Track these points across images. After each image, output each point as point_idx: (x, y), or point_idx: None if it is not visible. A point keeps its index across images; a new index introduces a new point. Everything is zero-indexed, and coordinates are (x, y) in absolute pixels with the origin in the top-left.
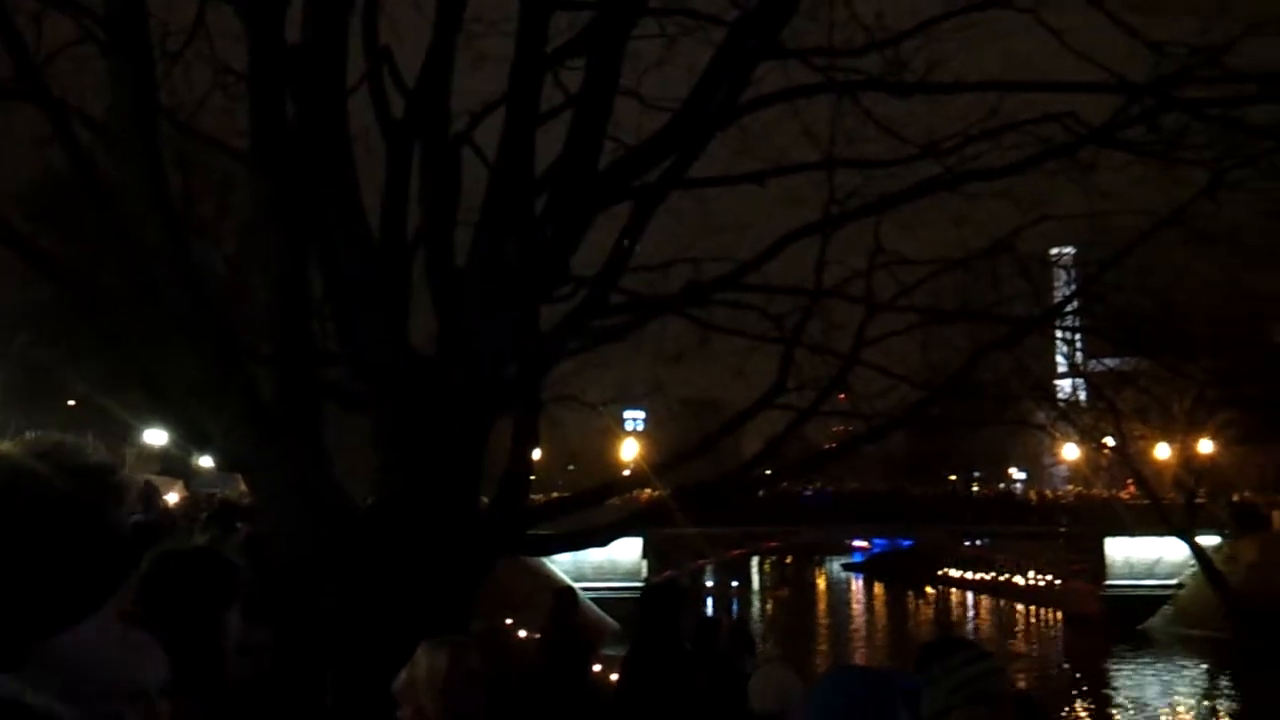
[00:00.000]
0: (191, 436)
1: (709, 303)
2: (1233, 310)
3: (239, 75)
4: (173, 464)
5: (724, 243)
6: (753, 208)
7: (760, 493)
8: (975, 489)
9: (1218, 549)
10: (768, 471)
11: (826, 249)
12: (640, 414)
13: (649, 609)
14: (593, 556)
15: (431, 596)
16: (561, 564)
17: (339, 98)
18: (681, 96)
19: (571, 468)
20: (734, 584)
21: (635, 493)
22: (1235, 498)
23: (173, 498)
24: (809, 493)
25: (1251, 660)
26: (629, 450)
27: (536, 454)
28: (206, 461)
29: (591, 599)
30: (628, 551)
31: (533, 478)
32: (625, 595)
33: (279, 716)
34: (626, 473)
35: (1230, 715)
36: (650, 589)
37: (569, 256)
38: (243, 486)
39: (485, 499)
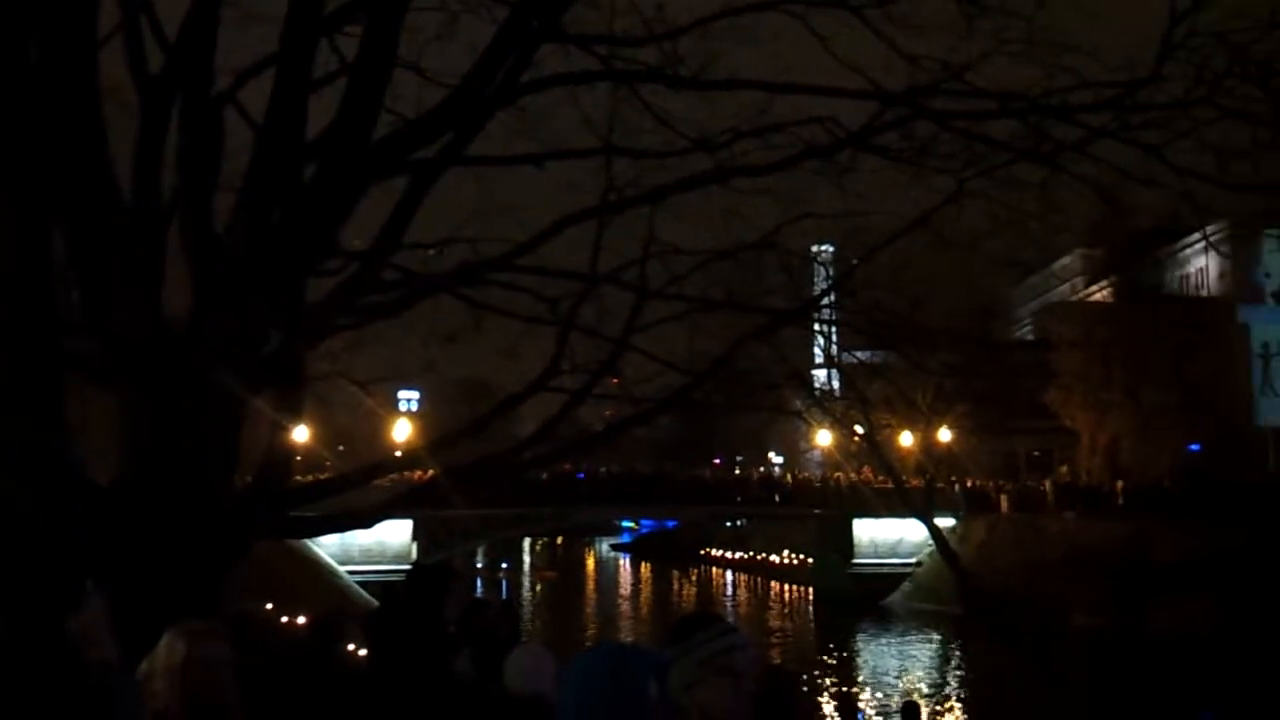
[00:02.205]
0: None
1: (484, 283)
2: (968, 310)
3: None
4: None
5: (502, 224)
6: (532, 191)
7: (533, 473)
8: (737, 472)
9: (952, 530)
10: (540, 453)
11: (603, 235)
12: (415, 394)
13: (411, 590)
14: (361, 539)
15: (180, 581)
16: (328, 547)
17: (89, 46)
18: (462, 73)
19: (342, 448)
20: (504, 565)
21: (406, 474)
22: (968, 483)
23: None
24: (581, 475)
25: (979, 632)
26: (401, 431)
27: (304, 434)
28: None
29: (358, 582)
30: (397, 534)
31: (299, 458)
32: (394, 579)
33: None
34: (398, 454)
35: (958, 681)
36: (414, 570)
37: (339, 229)
38: None
39: (248, 479)
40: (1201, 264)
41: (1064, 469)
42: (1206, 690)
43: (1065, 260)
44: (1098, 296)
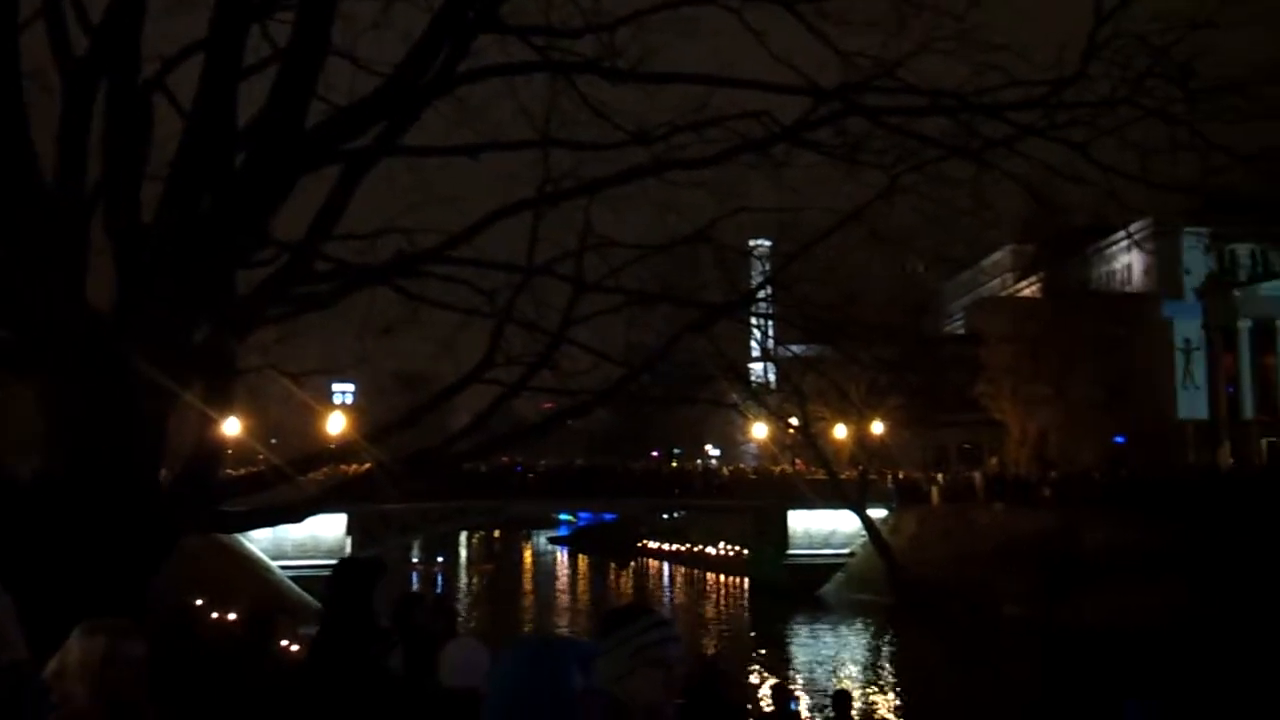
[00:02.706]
0: None
1: (420, 275)
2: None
3: None
4: None
5: (438, 215)
6: (469, 182)
7: (470, 466)
8: (674, 465)
9: (884, 521)
10: (474, 445)
11: (539, 227)
12: (350, 387)
13: (341, 584)
14: (294, 534)
15: (105, 577)
16: (260, 542)
17: (9, 28)
18: (397, 62)
19: (275, 442)
20: (439, 559)
21: (341, 467)
22: (900, 474)
23: None
24: (519, 468)
25: (910, 621)
26: (336, 424)
27: (235, 427)
28: None
29: (292, 578)
30: (331, 528)
31: (230, 452)
32: (327, 574)
33: None
34: (332, 446)
35: (890, 669)
36: (343, 563)
37: (270, 218)
38: None
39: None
40: (1126, 261)
41: (993, 461)
42: (1131, 676)
43: (996, 256)
44: (1027, 292)
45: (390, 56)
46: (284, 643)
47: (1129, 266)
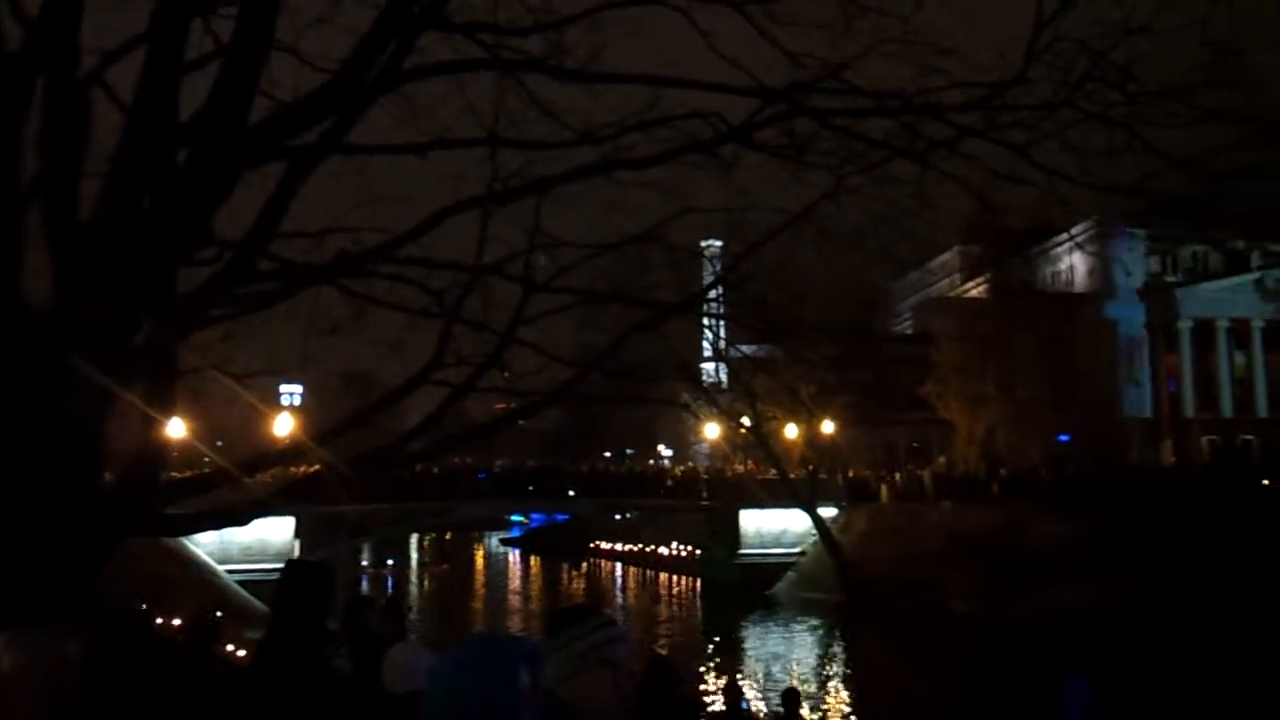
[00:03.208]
0: None
1: (366, 274)
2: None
3: None
4: None
5: (384, 214)
6: (417, 181)
7: (421, 467)
8: (627, 465)
9: (835, 520)
10: (424, 446)
11: (488, 227)
12: (298, 389)
13: (288, 586)
14: (241, 537)
15: (40, 581)
16: (206, 546)
17: None
18: (343, 58)
19: (220, 444)
20: (389, 562)
21: (290, 470)
22: (850, 473)
23: None
24: (484, 475)
25: (860, 618)
26: (283, 425)
27: (180, 428)
28: None
29: (239, 581)
30: (279, 532)
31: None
32: (276, 578)
33: None
34: (278, 448)
35: (840, 666)
36: (290, 565)
37: (212, 215)
38: None
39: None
40: (1070, 262)
41: (941, 459)
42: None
43: (944, 257)
44: (974, 292)
45: (336, 53)
46: (229, 647)
47: (1072, 267)
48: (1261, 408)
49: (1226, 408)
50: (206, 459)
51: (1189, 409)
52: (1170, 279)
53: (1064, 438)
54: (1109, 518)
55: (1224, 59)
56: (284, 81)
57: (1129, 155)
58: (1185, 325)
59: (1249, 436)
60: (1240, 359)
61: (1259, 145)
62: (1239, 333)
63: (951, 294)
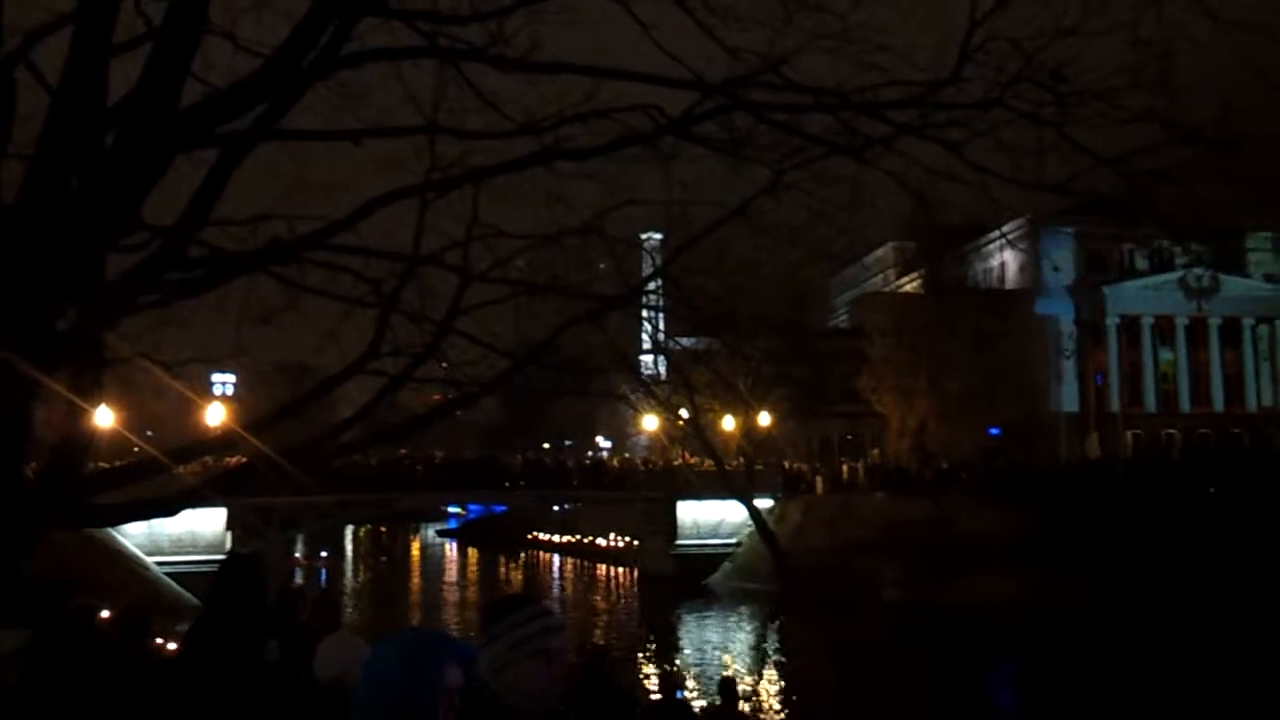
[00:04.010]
0: None
1: (301, 262)
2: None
3: None
4: None
5: (320, 202)
6: (353, 169)
7: (356, 458)
8: (564, 456)
9: (770, 511)
10: (359, 437)
11: (426, 216)
12: (230, 378)
13: (222, 579)
14: (170, 528)
15: None
16: (135, 537)
17: None
18: (278, 43)
19: (150, 434)
20: (323, 554)
21: (221, 459)
22: (786, 465)
23: None
24: (409, 461)
25: (795, 608)
26: (215, 415)
27: (108, 418)
28: None
29: (169, 574)
30: (210, 523)
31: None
32: (207, 570)
33: None
34: (210, 438)
35: (775, 655)
36: (227, 559)
37: (141, 201)
38: None
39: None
40: (1002, 259)
41: (875, 451)
42: (998, 651)
43: (879, 252)
44: (909, 288)
45: (271, 38)
46: (159, 640)
47: (1004, 264)
48: (1184, 403)
49: (1151, 403)
50: (136, 449)
51: (1115, 404)
52: (1098, 277)
53: (994, 431)
54: (1035, 509)
55: (1149, 62)
56: (218, 66)
57: (1059, 154)
58: (1112, 322)
59: (1172, 431)
60: (1165, 355)
61: (1181, 147)
62: (1163, 330)
63: (886, 289)
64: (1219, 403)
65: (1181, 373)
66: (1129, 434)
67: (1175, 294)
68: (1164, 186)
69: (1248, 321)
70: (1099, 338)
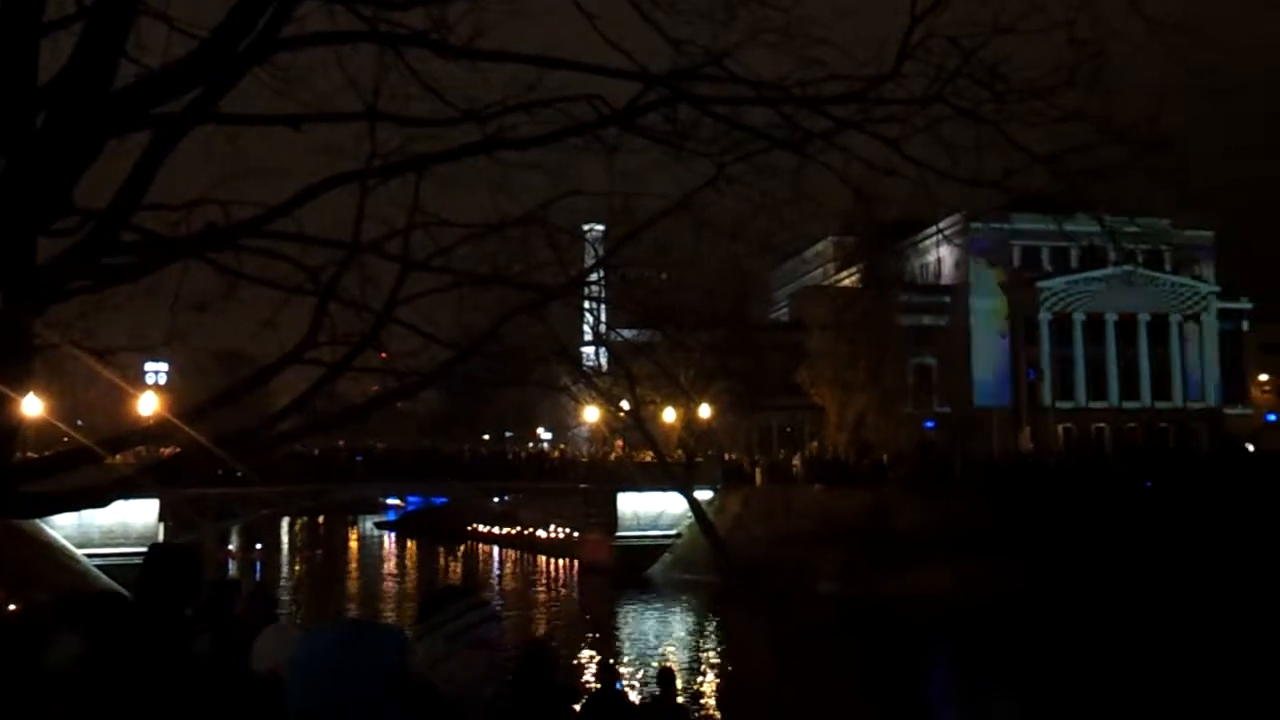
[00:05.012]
0: None
1: (236, 249)
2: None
3: None
4: None
5: (257, 188)
6: (292, 155)
7: (296, 448)
8: (505, 448)
9: (710, 502)
10: (295, 427)
11: (366, 203)
12: (163, 366)
13: (149, 570)
14: (101, 520)
15: None
16: (64, 528)
17: None
18: (215, 24)
19: (81, 423)
20: (258, 546)
21: (155, 449)
22: (726, 456)
23: None
24: (359, 457)
25: (733, 599)
26: (148, 404)
27: (36, 407)
28: None
29: (99, 566)
30: (142, 514)
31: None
32: (138, 562)
33: None
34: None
35: (713, 645)
36: (152, 550)
37: (73, 184)
38: None
39: None
40: (938, 255)
41: (813, 444)
42: (939, 645)
43: (819, 246)
44: (847, 282)
45: (208, 19)
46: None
47: (940, 260)
48: (1113, 396)
49: (1081, 396)
50: (66, 438)
51: (1046, 397)
52: (1032, 273)
53: (930, 424)
54: (968, 501)
55: (1085, 61)
56: (153, 47)
57: (996, 151)
58: (1044, 317)
59: (1101, 424)
60: (1095, 350)
61: (1114, 146)
62: (1094, 325)
63: (826, 283)
64: (1147, 397)
65: (1110, 367)
66: (1059, 428)
67: (1105, 290)
68: (1097, 184)
69: (1174, 318)
70: (1031, 333)
